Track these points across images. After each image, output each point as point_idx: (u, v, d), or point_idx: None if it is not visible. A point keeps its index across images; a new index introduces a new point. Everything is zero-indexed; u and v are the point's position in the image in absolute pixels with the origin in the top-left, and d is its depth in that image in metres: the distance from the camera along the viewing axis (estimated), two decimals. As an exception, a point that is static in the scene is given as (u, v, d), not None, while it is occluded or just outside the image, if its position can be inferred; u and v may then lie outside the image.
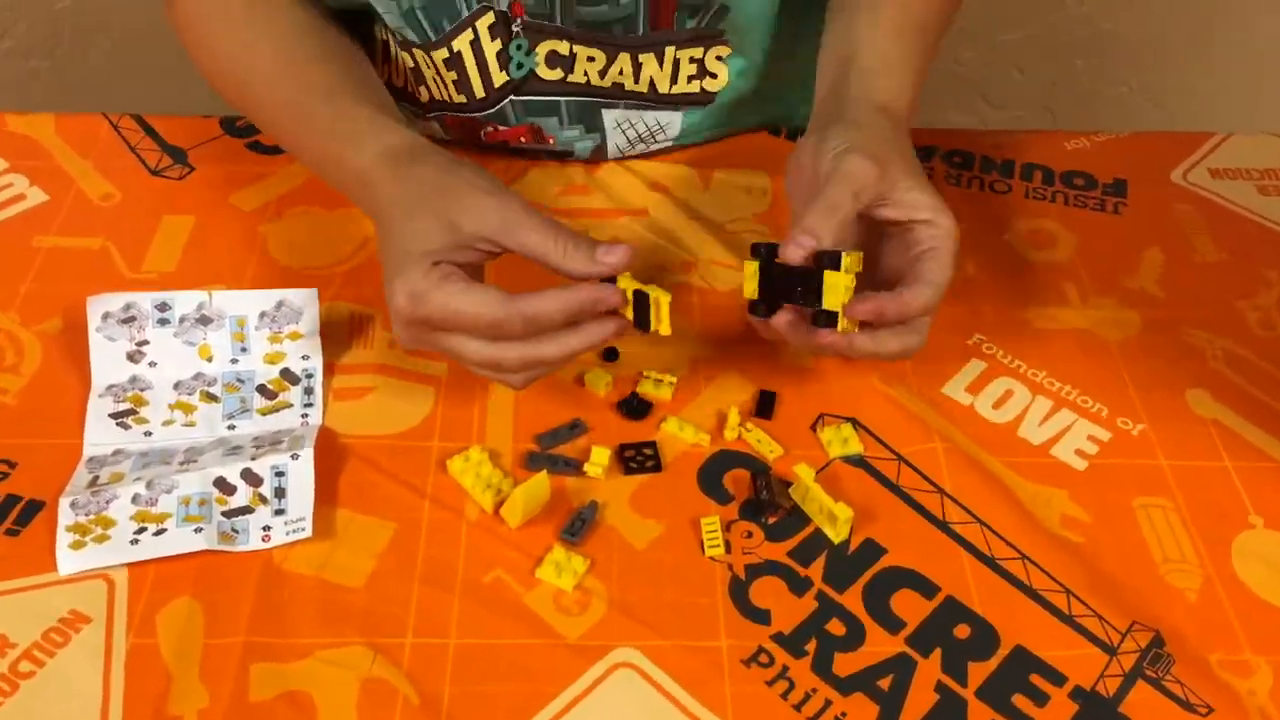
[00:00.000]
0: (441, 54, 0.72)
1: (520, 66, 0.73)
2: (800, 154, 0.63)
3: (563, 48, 0.73)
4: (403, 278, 0.56)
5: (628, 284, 0.57)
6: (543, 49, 0.73)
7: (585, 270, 0.56)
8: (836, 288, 0.56)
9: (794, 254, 0.56)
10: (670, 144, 0.80)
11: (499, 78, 0.74)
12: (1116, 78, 1.61)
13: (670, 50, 0.74)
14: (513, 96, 0.75)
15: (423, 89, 0.76)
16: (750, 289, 0.59)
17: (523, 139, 0.78)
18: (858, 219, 0.59)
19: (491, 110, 0.75)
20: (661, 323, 0.57)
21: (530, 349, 0.56)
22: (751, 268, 0.59)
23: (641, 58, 0.74)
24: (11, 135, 0.80)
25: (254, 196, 0.76)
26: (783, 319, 0.58)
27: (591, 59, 0.73)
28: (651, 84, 0.76)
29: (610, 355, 0.66)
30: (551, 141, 0.78)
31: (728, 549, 0.57)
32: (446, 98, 0.75)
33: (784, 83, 0.81)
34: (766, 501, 0.59)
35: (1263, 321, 0.71)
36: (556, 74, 0.74)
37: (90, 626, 0.53)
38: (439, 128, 0.79)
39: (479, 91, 0.74)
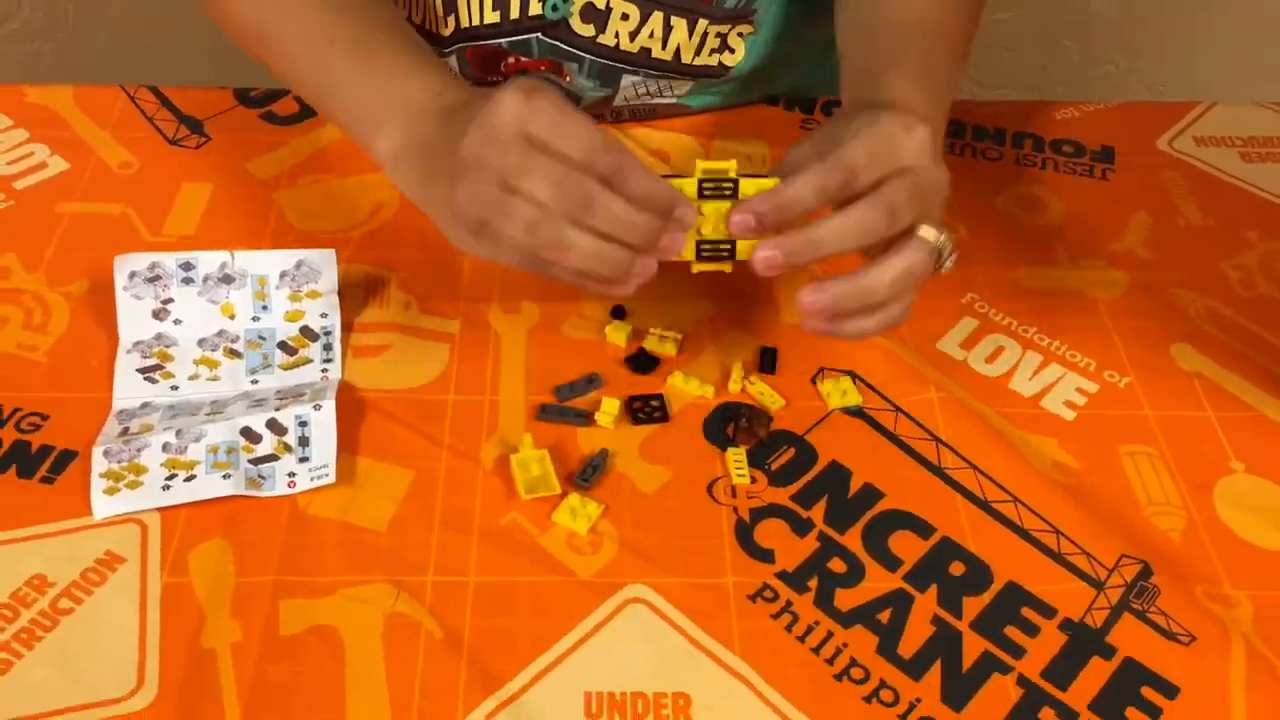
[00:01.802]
0: None
1: (555, 9, 0.75)
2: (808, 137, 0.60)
3: (599, 0, 0.75)
4: (517, 83, 0.54)
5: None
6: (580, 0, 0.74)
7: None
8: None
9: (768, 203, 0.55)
10: (674, 100, 0.82)
11: (535, 7, 0.75)
12: (1105, 58, 1.63)
13: (703, 23, 0.76)
14: (540, 35, 0.77)
15: (451, 18, 0.77)
16: None
17: (543, 68, 0.79)
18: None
19: (518, 38, 0.77)
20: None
21: (601, 194, 0.53)
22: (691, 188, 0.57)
23: (674, 20, 0.75)
24: (31, 106, 0.82)
25: (269, 165, 0.78)
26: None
27: (626, 16, 0.75)
28: (677, 52, 0.78)
29: (618, 313, 0.68)
30: (568, 79, 0.79)
31: (733, 494, 0.60)
32: (479, 19, 0.76)
33: (788, 62, 0.83)
34: (744, 429, 0.62)
35: (1244, 281, 0.74)
36: (589, 30, 0.76)
37: (125, 566, 0.55)
38: (457, 64, 0.80)
39: (514, 11, 0.75)
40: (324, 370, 0.64)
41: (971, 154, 0.83)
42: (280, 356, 0.64)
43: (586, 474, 0.60)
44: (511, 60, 0.79)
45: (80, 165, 0.77)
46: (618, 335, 0.67)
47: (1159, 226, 0.78)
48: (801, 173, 0.55)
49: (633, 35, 0.76)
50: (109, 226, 0.73)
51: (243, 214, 0.74)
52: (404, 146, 0.60)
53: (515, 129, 0.53)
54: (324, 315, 0.66)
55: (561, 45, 0.77)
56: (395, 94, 0.62)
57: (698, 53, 0.78)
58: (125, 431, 0.59)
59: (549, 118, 0.53)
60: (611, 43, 0.77)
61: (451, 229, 0.58)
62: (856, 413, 0.64)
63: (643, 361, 0.66)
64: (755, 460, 0.62)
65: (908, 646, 0.54)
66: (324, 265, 0.66)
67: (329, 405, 0.60)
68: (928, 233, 0.56)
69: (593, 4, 0.75)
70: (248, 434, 0.59)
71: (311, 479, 0.58)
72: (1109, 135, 0.85)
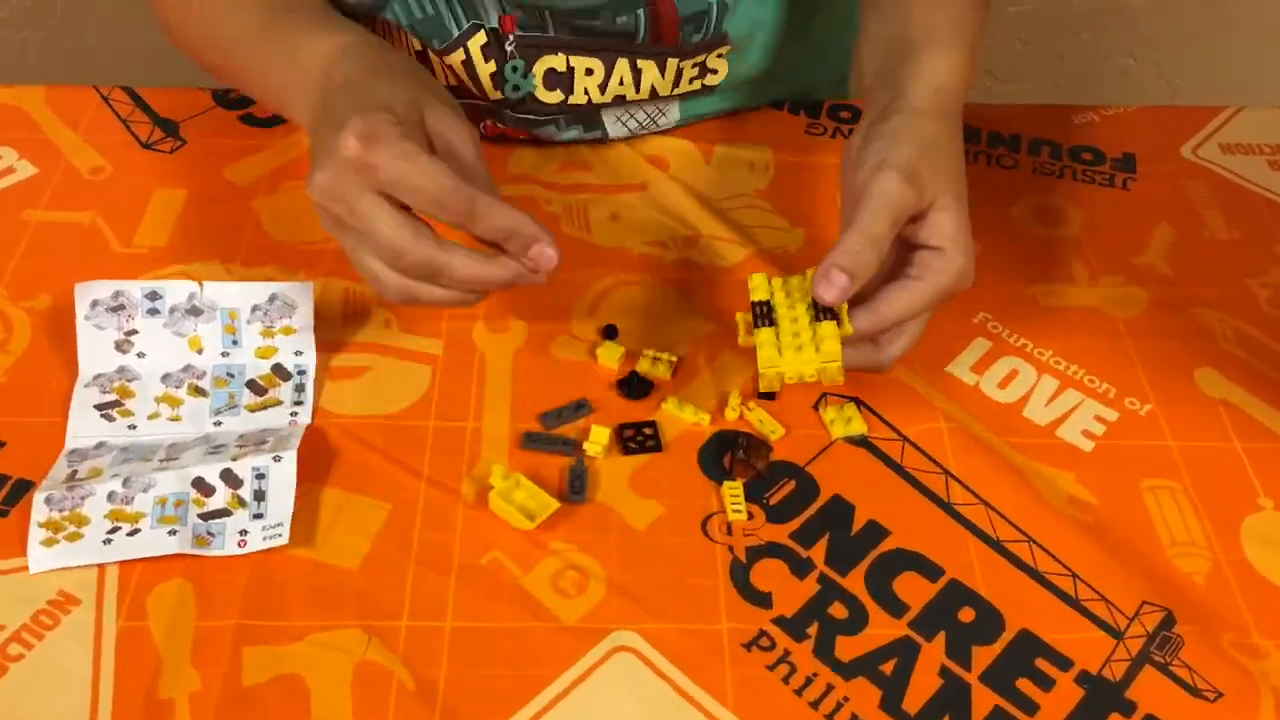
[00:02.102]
0: (435, 63, 0.71)
1: (517, 89, 0.72)
2: (849, 150, 0.60)
3: (559, 62, 0.71)
4: (362, 118, 0.51)
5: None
6: (540, 67, 0.71)
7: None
8: (831, 339, 0.56)
9: (827, 293, 0.54)
10: (673, 127, 0.79)
11: (494, 95, 0.72)
12: (1122, 50, 1.59)
13: (673, 62, 0.72)
14: (510, 112, 0.74)
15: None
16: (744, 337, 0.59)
17: (522, 138, 0.76)
18: None
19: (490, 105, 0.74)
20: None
21: (440, 254, 0.53)
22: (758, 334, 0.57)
23: (641, 64, 0.72)
24: (0, 107, 0.78)
25: (247, 171, 0.75)
26: None
27: (590, 71, 0.71)
28: (653, 90, 0.74)
29: (609, 333, 0.65)
30: (548, 139, 0.76)
31: (729, 531, 0.56)
32: (453, 80, 0.73)
33: (787, 65, 0.79)
34: (742, 461, 0.58)
35: (1273, 300, 0.70)
36: (556, 96, 0.73)
37: (80, 609, 0.52)
38: None
39: (476, 96, 0.73)
40: (293, 414, 0.60)
41: (986, 161, 0.79)
42: (248, 396, 0.60)
43: (576, 486, 0.57)
44: (489, 124, 0.76)
45: (49, 170, 0.74)
46: (610, 357, 0.63)
47: (1182, 239, 0.74)
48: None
49: (602, 87, 0.72)
50: (77, 236, 0.69)
51: (218, 223, 0.71)
52: (309, 120, 0.59)
53: (357, 181, 0.52)
54: (298, 353, 0.62)
55: (533, 117, 0.74)
56: (293, 70, 0.60)
57: (675, 86, 0.74)
58: (73, 475, 0.56)
59: (390, 174, 0.51)
60: (582, 100, 0.73)
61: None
62: (861, 442, 0.61)
63: (635, 385, 0.62)
64: (753, 494, 0.58)
65: (913, 701, 0.51)
66: (300, 299, 0.62)
67: (290, 457, 0.56)
68: None
69: (553, 69, 0.71)
70: (200, 485, 0.55)
71: (264, 538, 0.54)
72: (1130, 142, 0.81)
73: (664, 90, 0.74)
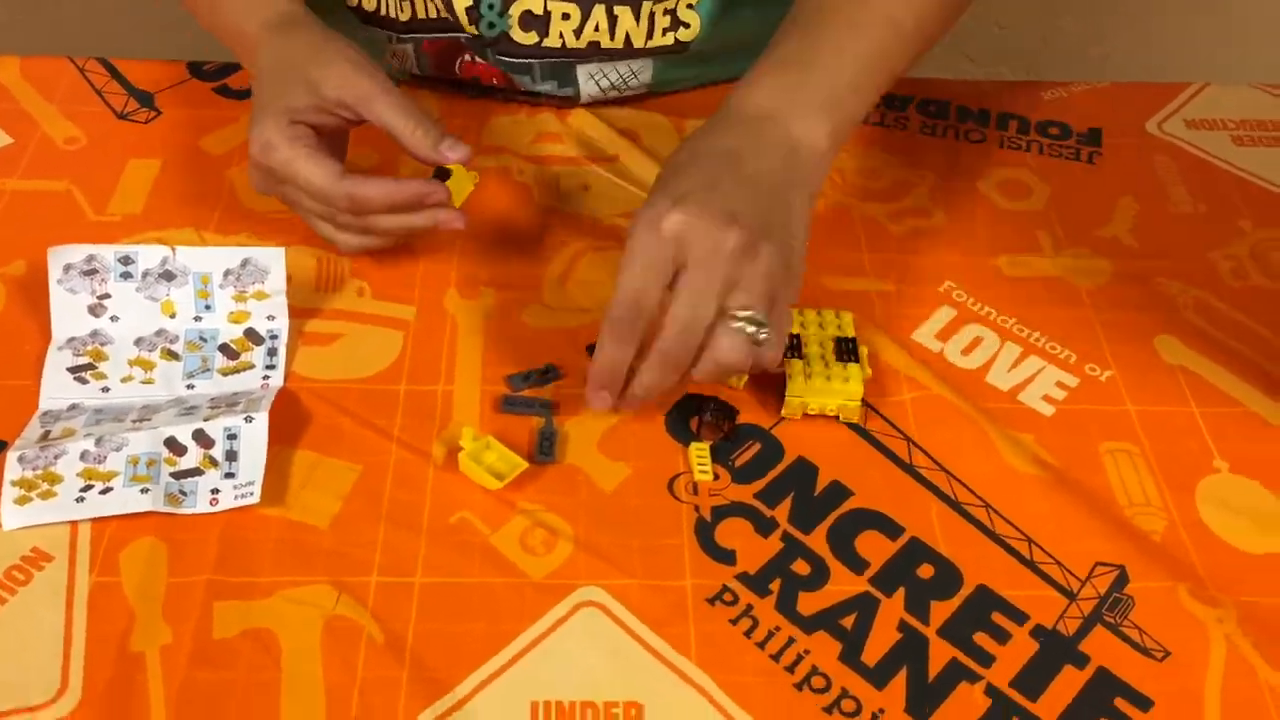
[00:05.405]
0: None
1: (492, 26, 0.73)
2: None
3: (536, 6, 0.72)
4: (260, 126, 0.61)
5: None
6: (516, 9, 0.72)
7: (426, 156, 0.61)
8: (855, 380, 0.61)
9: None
10: (644, 90, 0.79)
11: (469, 29, 0.73)
12: (1099, 36, 1.60)
13: (647, 5, 0.73)
14: (487, 49, 0.74)
15: (406, 4, 0.74)
16: None
17: (495, 80, 0.77)
18: None
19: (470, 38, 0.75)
20: (457, 198, 0.63)
21: (357, 220, 0.62)
22: None
23: (617, 10, 0.73)
24: (-25, 78, 0.79)
25: (222, 141, 0.75)
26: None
27: (566, 16, 0.72)
28: (627, 39, 0.75)
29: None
30: (522, 88, 0.77)
31: (694, 491, 0.57)
32: (435, 12, 0.74)
33: (762, 34, 0.80)
34: (709, 423, 0.60)
35: (1235, 271, 0.71)
36: (531, 37, 0.73)
37: (53, 565, 0.53)
38: (412, 52, 0.78)
39: (454, 28, 0.73)
40: (265, 377, 0.61)
41: (955, 135, 0.80)
42: (220, 360, 0.61)
43: (545, 447, 0.58)
44: (467, 58, 0.76)
45: (24, 140, 0.74)
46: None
47: (1147, 213, 0.75)
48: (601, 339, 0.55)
49: (577, 33, 0.73)
50: (52, 204, 0.70)
51: (191, 192, 0.71)
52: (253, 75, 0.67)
53: (267, 172, 0.62)
54: (271, 318, 0.62)
55: (507, 58, 0.74)
56: (240, 39, 0.68)
57: (650, 36, 0.75)
58: (46, 436, 0.56)
59: (282, 174, 0.61)
60: (556, 44, 0.74)
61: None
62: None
63: (605, 351, 0.63)
64: (719, 455, 0.59)
65: (872, 654, 0.52)
66: (272, 264, 0.62)
67: (262, 418, 0.57)
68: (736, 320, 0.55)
69: (530, 11, 0.72)
70: (172, 445, 0.56)
71: (236, 497, 0.55)
72: (1097, 117, 0.82)
73: (638, 40, 0.74)
